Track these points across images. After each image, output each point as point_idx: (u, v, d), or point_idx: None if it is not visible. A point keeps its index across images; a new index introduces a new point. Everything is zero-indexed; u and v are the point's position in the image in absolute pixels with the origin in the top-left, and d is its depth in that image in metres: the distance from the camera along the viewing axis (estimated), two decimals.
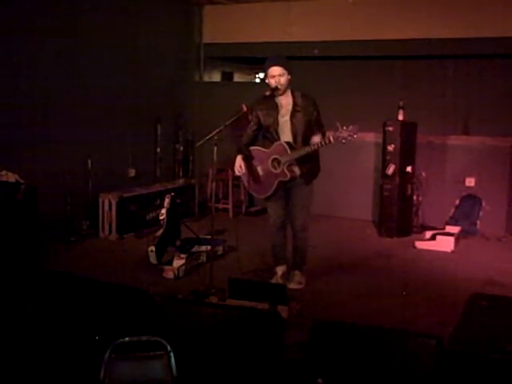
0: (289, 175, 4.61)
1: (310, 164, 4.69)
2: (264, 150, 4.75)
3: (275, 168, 4.65)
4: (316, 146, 4.50)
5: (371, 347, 2.84)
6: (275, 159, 4.65)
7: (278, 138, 4.65)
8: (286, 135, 4.65)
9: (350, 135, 4.31)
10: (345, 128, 4.33)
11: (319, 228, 6.98)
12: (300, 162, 4.61)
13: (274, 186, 4.69)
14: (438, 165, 7.25)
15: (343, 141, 4.34)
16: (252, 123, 4.78)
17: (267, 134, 4.72)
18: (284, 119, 4.66)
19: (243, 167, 4.73)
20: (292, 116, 4.63)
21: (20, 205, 5.14)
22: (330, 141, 4.40)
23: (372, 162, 7.47)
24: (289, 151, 4.56)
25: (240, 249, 5.18)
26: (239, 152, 4.79)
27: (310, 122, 4.59)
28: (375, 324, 3.72)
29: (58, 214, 6.27)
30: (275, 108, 4.67)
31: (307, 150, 4.53)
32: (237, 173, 4.79)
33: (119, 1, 7.10)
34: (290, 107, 4.65)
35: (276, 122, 4.66)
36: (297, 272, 4.97)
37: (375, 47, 7.34)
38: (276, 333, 3.16)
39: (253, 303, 3.94)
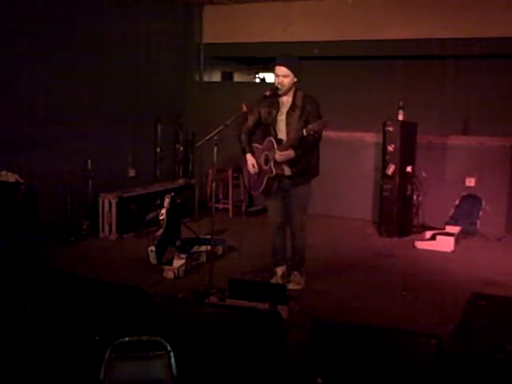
0: (274, 172, 4.60)
1: (304, 165, 4.68)
2: (260, 146, 4.78)
3: (265, 164, 4.67)
4: (293, 140, 4.48)
5: (371, 347, 2.84)
6: (265, 155, 4.68)
7: (276, 136, 4.66)
8: (282, 133, 4.68)
9: (319, 128, 4.34)
10: (315, 123, 4.37)
11: (319, 228, 6.99)
12: (291, 162, 4.61)
13: (264, 183, 4.69)
14: (438, 165, 7.25)
15: (311, 132, 4.36)
16: (250, 119, 4.78)
17: (266, 132, 4.73)
18: (281, 118, 4.68)
19: (256, 165, 4.73)
20: (288, 114, 4.65)
21: (20, 205, 5.13)
22: (303, 134, 4.42)
23: (372, 162, 7.47)
24: (275, 146, 4.56)
25: (240, 249, 5.18)
26: (246, 151, 4.80)
27: (307, 122, 4.56)
28: (375, 324, 3.72)
29: (58, 214, 6.27)
30: (277, 107, 4.69)
31: (286, 144, 4.52)
32: (252, 172, 4.76)
33: (119, 1, 7.11)
34: (288, 106, 4.67)
35: (274, 121, 4.69)
36: (296, 272, 4.97)
37: (375, 47, 7.34)
38: (276, 333, 3.16)
39: (253, 303, 3.94)
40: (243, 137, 4.83)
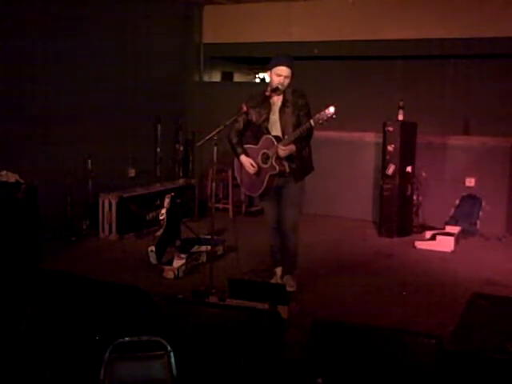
0: (278, 168, 4.57)
1: (300, 160, 4.66)
2: (254, 146, 4.74)
3: (265, 163, 4.64)
4: (300, 132, 4.45)
5: (371, 347, 2.84)
6: (264, 153, 4.65)
7: (270, 134, 4.64)
8: (276, 131, 4.64)
9: (327, 116, 4.26)
10: (322, 112, 4.29)
11: (319, 228, 7.00)
12: (289, 158, 4.59)
13: (265, 182, 4.65)
14: (438, 165, 7.25)
15: (320, 122, 4.28)
16: (240, 121, 4.72)
17: (258, 131, 4.70)
18: (274, 116, 4.65)
19: (254, 164, 4.71)
20: (281, 112, 4.62)
21: (20, 205, 5.14)
22: (311, 125, 4.37)
23: (372, 162, 7.47)
24: (276, 144, 4.54)
25: (240, 249, 5.18)
26: (239, 153, 4.75)
27: (299, 117, 4.56)
28: (375, 324, 3.72)
29: (58, 214, 6.27)
30: (267, 106, 4.65)
31: (290, 138, 4.49)
32: (252, 171, 4.70)
33: (119, 1, 7.11)
34: (279, 103, 4.64)
35: (267, 120, 4.65)
36: (288, 276, 4.89)
37: (375, 47, 7.35)
38: (276, 333, 3.16)
39: (253, 303, 3.94)
40: (234, 139, 4.76)
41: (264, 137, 4.65)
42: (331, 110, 4.25)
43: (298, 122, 4.54)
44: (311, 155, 4.80)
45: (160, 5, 7.72)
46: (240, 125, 4.75)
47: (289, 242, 4.86)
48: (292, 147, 4.51)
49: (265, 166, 4.65)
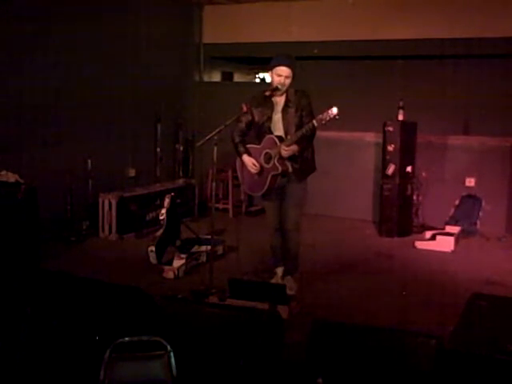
0: (280, 168, 4.57)
1: (303, 161, 4.66)
2: (256, 146, 4.74)
3: (267, 163, 4.64)
4: (303, 132, 4.43)
5: (371, 347, 2.84)
6: (266, 153, 4.64)
7: (271, 135, 4.64)
8: (278, 131, 4.64)
9: (330, 117, 4.24)
10: (325, 112, 4.27)
11: (319, 228, 7.00)
12: (292, 158, 4.58)
13: (268, 182, 4.65)
14: (438, 165, 7.26)
15: (323, 122, 4.28)
16: (243, 120, 4.72)
17: (261, 131, 4.70)
18: (277, 116, 4.65)
19: (256, 163, 4.69)
20: (284, 111, 4.62)
21: (20, 205, 5.14)
22: (313, 125, 4.36)
23: (372, 162, 7.47)
24: (278, 144, 4.54)
25: (240, 249, 5.18)
26: (242, 152, 4.74)
27: (301, 117, 4.56)
28: (375, 324, 3.72)
29: (58, 214, 6.27)
30: (270, 106, 4.65)
31: (293, 138, 4.47)
32: (254, 171, 4.68)
33: (119, 1, 7.11)
34: (282, 103, 4.64)
35: (269, 119, 4.65)
36: (289, 277, 4.87)
37: (375, 47, 7.35)
38: (276, 333, 3.16)
39: (253, 303, 3.94)
40: (237, 139, 4.76)
41: (266, 136, 4.65)
42: (334, 110, 4.24)
43: (301, 122, 4.54)
44: (314, 155, 4.79)
45: (160, 5, 7.72)
46: (243, 124, 4.75)
47: (290, 242, 4.84)
48: (295, 147, 4.50)
49: (267, 165, 4.64)
